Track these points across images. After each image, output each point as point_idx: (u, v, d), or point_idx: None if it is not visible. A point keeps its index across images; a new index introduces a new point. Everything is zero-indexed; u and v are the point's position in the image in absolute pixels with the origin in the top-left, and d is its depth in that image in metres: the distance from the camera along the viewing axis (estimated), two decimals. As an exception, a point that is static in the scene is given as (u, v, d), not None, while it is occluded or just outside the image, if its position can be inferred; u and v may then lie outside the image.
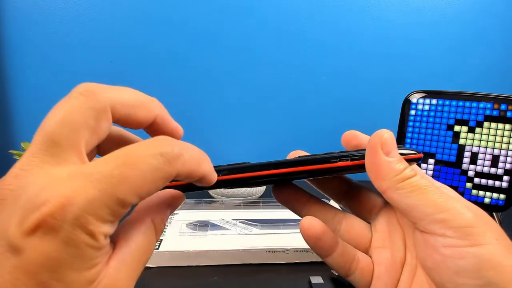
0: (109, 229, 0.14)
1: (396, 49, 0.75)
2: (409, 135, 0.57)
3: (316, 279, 0.39)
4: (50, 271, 0.13)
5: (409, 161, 0.21)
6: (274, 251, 0.42)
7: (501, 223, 0.53)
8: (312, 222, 0.22)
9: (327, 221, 0.25)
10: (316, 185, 0.27)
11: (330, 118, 0.77)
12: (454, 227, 0.18)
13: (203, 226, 0.47)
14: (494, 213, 0.53)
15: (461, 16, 0.74)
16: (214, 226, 0.48)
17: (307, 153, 0.27)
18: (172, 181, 0.15)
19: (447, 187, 0.22)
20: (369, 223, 0.25)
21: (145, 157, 0.14)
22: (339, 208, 0.26)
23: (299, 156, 0.22)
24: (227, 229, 0.47)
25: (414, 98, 0.56)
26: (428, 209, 0.18)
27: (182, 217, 0.51)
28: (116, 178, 0.13)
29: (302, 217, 0.23)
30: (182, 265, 0.41)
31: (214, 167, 0.21)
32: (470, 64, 0.76)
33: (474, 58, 0.76)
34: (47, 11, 0.69)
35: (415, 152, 0.21)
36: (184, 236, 0.45)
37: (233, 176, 0.21)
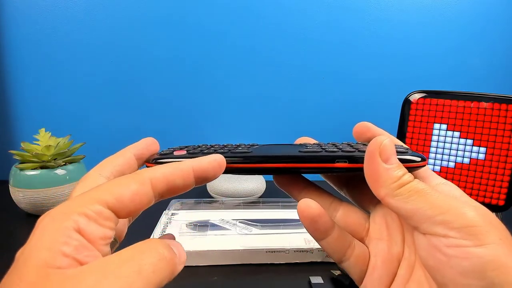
0: (86, 224, 0.15)
1: (396, 49, 0.75)
2: (409, 135, 0.57)
3: (316, 279, 0.39)
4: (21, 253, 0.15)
5: (412, 168, 0.21)
6: (274, 251, 0.42)
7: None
8: (309, 204, 0.22)
9: (323, 207, 0.24)
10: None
11: (330, 118, 0.77)
12: (456, 228, 0.17)
13: (203, 226, 0.47)
14: (494, 213, 0.53)
15: (461, 16, 0.74)
16: (214, 226, 0.48)
17: (315, 141, 0.27)
18: None
19: (451, 184, 0.21)
20: (368, 212, 0.25)
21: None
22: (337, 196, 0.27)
23: (299, 150, 0.22)
24: (227, 229, 0.47)
25: (414, 98, 0.56)
26: (427, 212, 0.18)
27: (182, 217, 0.51)
28: (93, 189, 0.17)
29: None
30: (182, 265, 0.41)
31: (220, 149, 0.22)
32: (471, 64, 0.76)
33: (474, 58, 0.76)
34: (46, 10, 0.69)
35: (419, 159, 0.21)
36: (184, 236, 0.45)
37: (235, 165, 0.22)
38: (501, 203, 0.51)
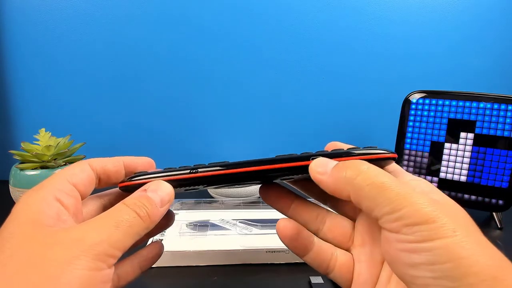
0: (62, 196, 0.21)
1: (396, 49, 0.75)
2: (409, 135, 0.57)
3: (316, 279, 0.39)
4: None
5: (380, 160, 0.21)
6: (274, 251, 0.42)
7: (501, 223, 0.53)
8: (286, 224, 0.23)
9: (310, 220, 0.25)
10: (300, 188, 0.27)
11: (330, 118, 0.77)
12: (409, 225, 0.17)
13: (203, 226, 0.47)
14: (494, 213, 0.53)
15: (461, 16, 0.74)
16: (214, 226, 0.48)
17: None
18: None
19: (421, 179, 0.21)
20: (355, 221, 0.25)
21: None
22: (325, 207, 0.27)
23: (276, 155, 0.22)
24: (227, 229, 0.47)
25: (414, 98, 0.56)
26: (384, 208, 0.18)
27: (182, 217, 0.51)
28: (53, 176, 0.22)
29: (287, 217, 0.25)
30: (182, 265, 0.41)
31: (194, 165, 0.22)
32: (470, 64, 0.76)
33: (474, 58, 0.76)
34: (47, 9, 0.69)
35: (386, 151, 0.21)
36: (184, 236, 0.45)
37: (209, 173, 0.22)
38: (501, 203, 0.51)
